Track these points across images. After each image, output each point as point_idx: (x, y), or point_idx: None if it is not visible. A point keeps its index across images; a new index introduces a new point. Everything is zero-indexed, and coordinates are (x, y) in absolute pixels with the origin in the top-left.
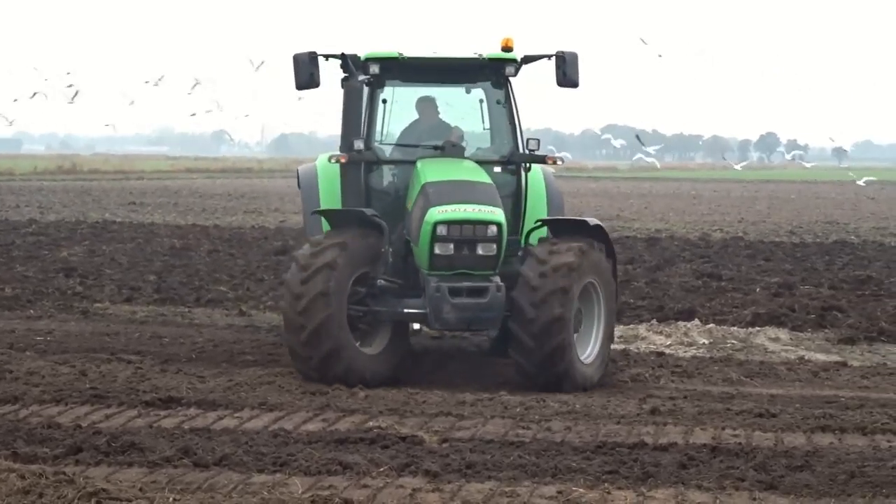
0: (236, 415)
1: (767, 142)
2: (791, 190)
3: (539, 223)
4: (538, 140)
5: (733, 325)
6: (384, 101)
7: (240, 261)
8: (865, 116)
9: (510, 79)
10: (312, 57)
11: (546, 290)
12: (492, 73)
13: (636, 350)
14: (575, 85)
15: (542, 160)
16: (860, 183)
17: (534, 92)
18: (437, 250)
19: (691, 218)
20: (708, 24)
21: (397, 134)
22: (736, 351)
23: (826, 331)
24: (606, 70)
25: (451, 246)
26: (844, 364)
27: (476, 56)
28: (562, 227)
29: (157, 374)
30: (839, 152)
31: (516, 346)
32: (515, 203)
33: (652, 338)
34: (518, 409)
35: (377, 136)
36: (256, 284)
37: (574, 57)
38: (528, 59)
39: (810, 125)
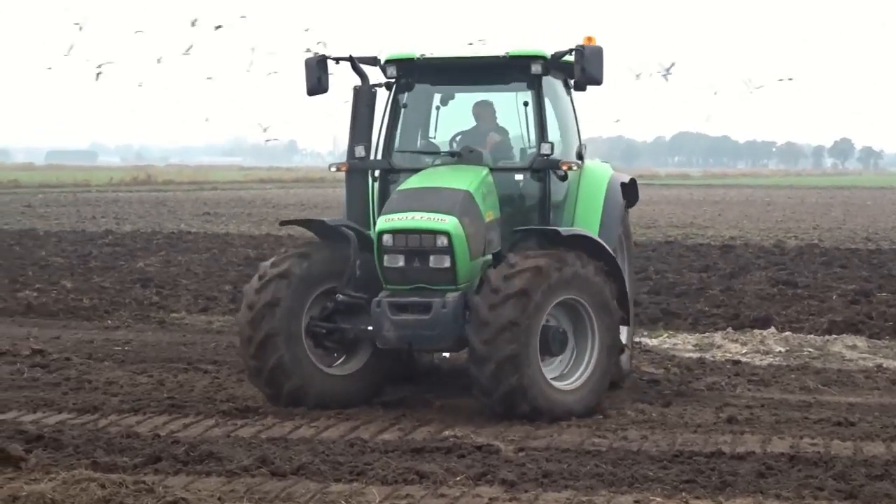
0: (313, 424)
1: (841, 147)
2: (866, 196)
3: (517, 233)
4: (585, 146)
5: (810, 333)
6: (405, 106)
7: None
8: None
9: (541, 78)
10: (321, 60)
11: (497, 325)
12: (519, 72)
13: (712, 358)
14: (596, 82)
15: (556, 165)
16: None
17: (606, 98)
18: (385, 262)
19: (765, 225)
20: (782, 30)
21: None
22: (813, 359)
23: None
24: (680, 77)
25: (402, 258)
26: None
27: (499, 54)
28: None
29: (233, 383)
30: None
31: (474, 385)
32: (541, 212)
33: (728, 346)
34: (594, 418)
35: (397, 143)
36: None
37: (595, 52)
38: (557, 57)
39: (886, 130)
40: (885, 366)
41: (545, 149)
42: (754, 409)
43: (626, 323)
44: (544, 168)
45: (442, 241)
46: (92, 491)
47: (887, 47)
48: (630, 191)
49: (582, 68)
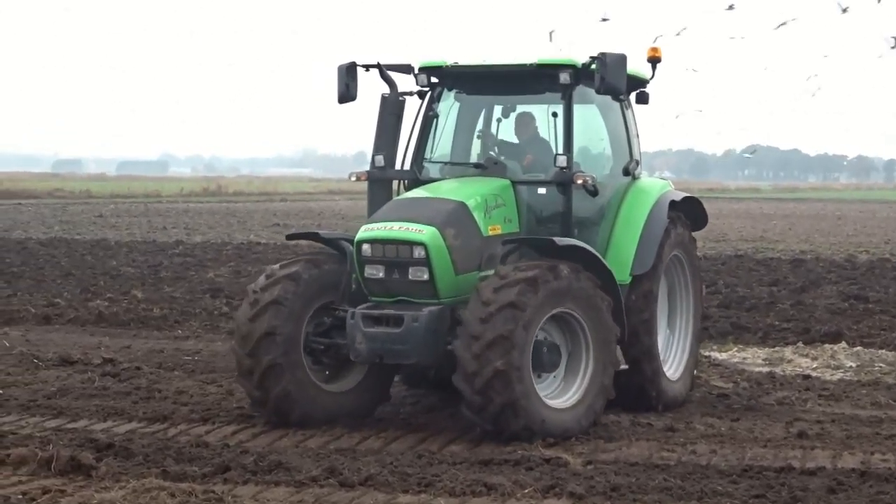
0: (381, 435)
1: None
2: None
3: (507, 244)
4: (637, 161)
5: (881, 349)
6: (436, 116)
7: None
8: None
9: (571, 88)
10: (350, 67)
11: (487, 338)
12: (549, 81)
13: (782, 373)
14: (617, 92)
15: (570, 179)
16: None
17: (673, 111)
18: (365, 273)
19: (836, 239)
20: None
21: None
22: (884, 374)
23: None
24: (750, 89)
25: (382, 268)
26: None
27: (528, 62)
28: (548, 249)
29: None
30: None
31: (465, 403)
32: (563, 226)
33: (798, 360)
34: (662, 432)
35: (427, 153)
36: None
37: (617, 60)
38: (587, 66)
39: None
40: None
41: (561, 161)
42: (825, 424)
43: (622, 340)
44: (560, 182)
45: (419, 252)
46: (161, 500)
47: None
48: (691, 210)
49: (602, 77)
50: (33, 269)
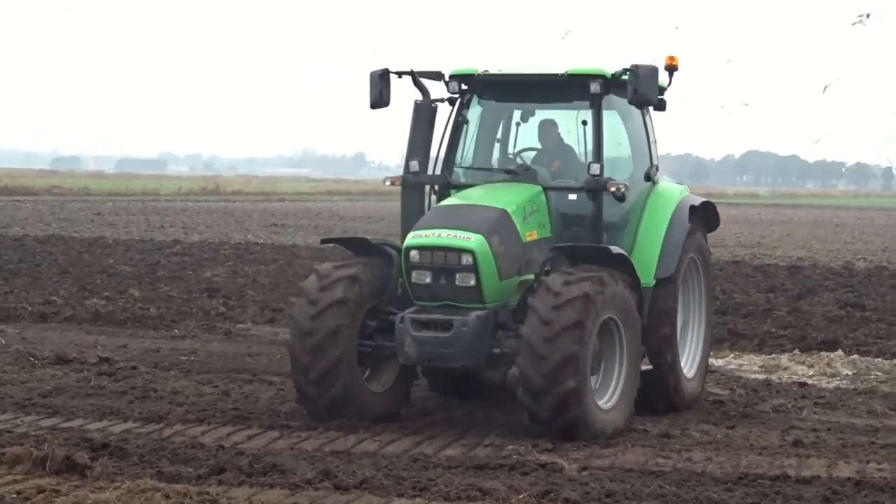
0: (376, 438)
1: None
2: None
3: (554, 251)
4: (657, 167)
5: (878, 357)
6: (466, 122)
7: None
8: None
9: (600, 97)
10: (383, 74)
11: (559, 324)
12: (579, 90)
13: (778, 380)
14: (649, 103)
15: (603, 186)
16: None
17: (676, 115)
18: (413, 278)
19: (834, 246)
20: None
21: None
22: (880, 383)
23: None
24: (749, 94)
25: (429, 274)
26: None
27: (559, 72)
28: (581, 255)
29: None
30: None
31: (526, 388)
32: (593, 231)
33: (794, 368)
34: (658, 439)
35: (457, 159)
36: None
37: (650, 72)
38: (617, 76)
39: None
40: None
41: (594, 169)
42: (820, 432)
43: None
44: (594, 188)
45: (466, 259)
46: (156, 501)
47: None
48: (706, 214)
49: (635, 88)
50: (30, 267)
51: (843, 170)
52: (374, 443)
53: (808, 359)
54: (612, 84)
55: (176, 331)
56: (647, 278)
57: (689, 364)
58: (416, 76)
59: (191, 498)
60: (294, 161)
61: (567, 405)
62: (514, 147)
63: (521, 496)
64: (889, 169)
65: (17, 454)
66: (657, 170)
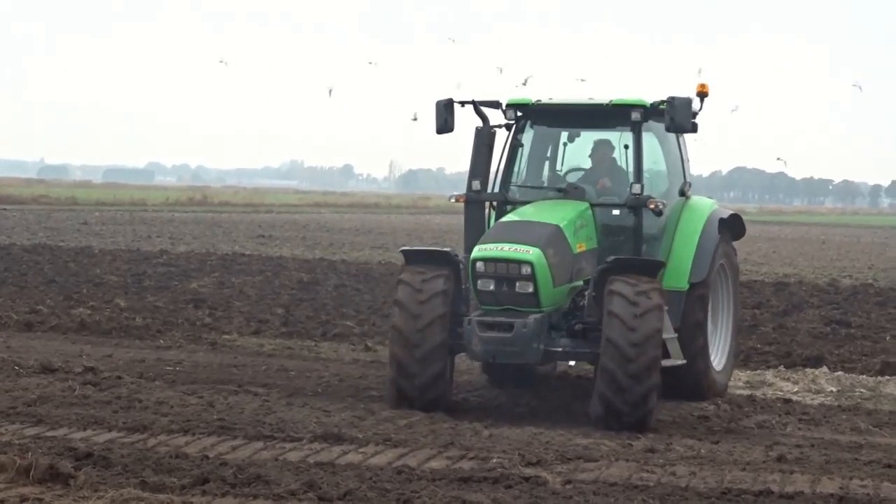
0: (361, 450)
1: None
2: None
3: (610, 261)
4: (690, 183)
5: (862, 374)
6: (521, 145)
7: (366, 296)
8: None
9: (640, 124)
10: (448, 103)
11: (644, 331)
12: (622, 118)
13: (762, 396)
14: (684, 130)
15: (644, 203)
16: None
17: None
18: (479, 286)
19: (820, 263)
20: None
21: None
22: (865, 399)
23: None
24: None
25: (492, 283)
26: None
27: (604, 102)
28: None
29: (283, 407)
30: None
31: (610, 386)
32: (635, 243)
33: (779, 384)
34: (642, 453)
35: (514, 178)
36: (382, 320)
37: (685, 103)
38: (655, 105)
39: None
40: None
41: (636, 189)
42: (804, 448)
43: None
44: (636, 205)
45: (526, 269)
46: None
47: None
48: (734, 225)
49: (671, 118)
50: (16, 276)
51: (831, 187)
52: (358, 455)
53: (793, 375)
54: (651, 112)
55: (161, 341)
56: (682, 282)
57: (718, 358)
58: (476, 105)
59: None
60: (282, 173)
61: (647, 401)
62: (563, 166)
63: None
64: (877, 187)
65: (1, 463)
66: (690, 186)
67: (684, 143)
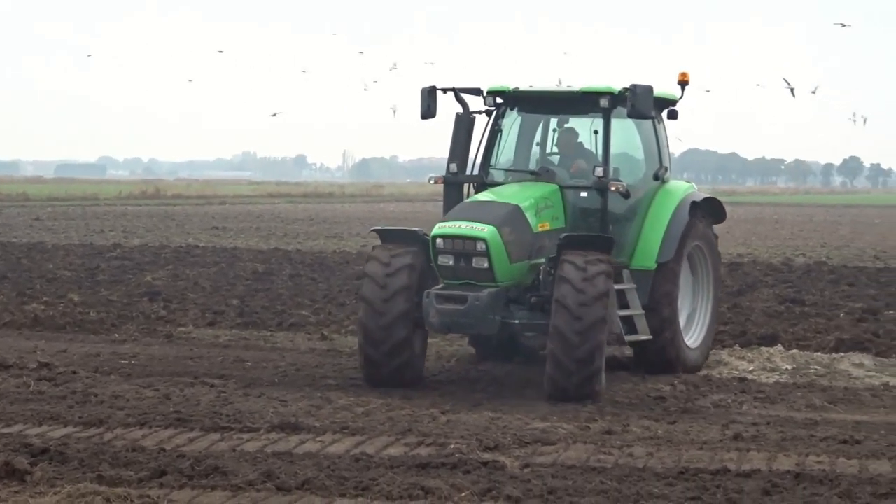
0: (318, 439)
1: (850, 166)
2: (875, 214)
3: (563, 238)
4: (666, 168)
5: (817, 351)
6: (500, 130)
7: (322, 285)
8: None
9: (609, 110)
10: (431, 90)
11: (591, 293)
12: (592, 104)
13: (718, 375)
14: (645, 116)
15: (606, 186)
16: None
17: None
18: (439, 261)
19: (773, 243)
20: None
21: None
22: (819, 377)
23: None
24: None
25: (451, 258)
26: None
27: (574, 89)
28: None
29: (239, 397)
30: None
31: (556, 367)
32: (601, 222)
33: (734, 363)
34: (599, 435)
35: (492, 161)
36: (338, 309)
37: (645, 90)
38: (622, 92)
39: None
40: (891, 384)
41: (598, 171)
42: (760, 426)
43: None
44: (600, 188)
45: (480, 246)
46: None
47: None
48: (711, 208)
49: (632, 105)
50: None
51: (783, 167)
52: (316, 443)
53: (748, 354)
54: (620, 99)
55: (116, 335)
56: (650, 262)
57: (695, 336)
58: (457, 92)
59: (132, 501)
60: (234, 164)
61: (591, 383)
62: (549, 150)
63: (463, 494)
64: (829, 166)
65: None
66: (666, 170)
67: (663, 130)
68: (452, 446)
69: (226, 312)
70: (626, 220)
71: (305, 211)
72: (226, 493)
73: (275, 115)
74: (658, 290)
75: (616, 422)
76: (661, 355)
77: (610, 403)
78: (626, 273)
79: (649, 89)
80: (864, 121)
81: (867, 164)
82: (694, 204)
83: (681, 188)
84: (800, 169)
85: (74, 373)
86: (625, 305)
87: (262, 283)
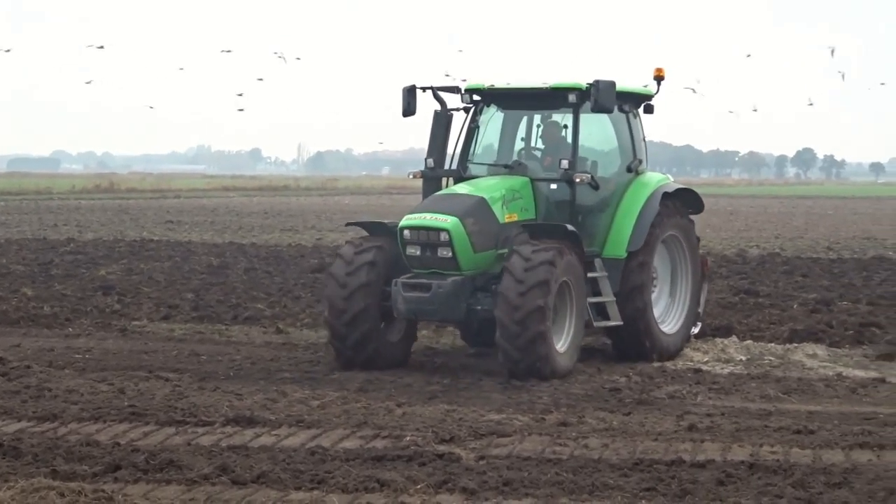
0: (274, 432)
1: (804, 158)
2: (828, 206)
3: (521, 228)
4: (640, 160)
5: (771, 342)
6: (477, 126)
7: (277, 279)
8: None
9: (578, 106)
10: (410, 89)
11: (530, 282)
12: (562, 100)
13: (673, 367)
14: (607, 110)
15: (570, 178)
16: None
17: None
18: (407, 252)
19: (728, 234)
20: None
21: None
22: (773, 367)
23: (864, 347)
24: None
25: (418, 248)
26: (882, 380)
27: (545, 86)
28: (545, 231)
29: (194, 391)
30: (877, 168)
31: (502, 332)
32: (570, 214)
33: (689, 354)
34: (555, 427)
35: (470, 155)
36: (293, 302)
37: (608, 85)
38: (588, 88)
39: (848, 140)
40: (844, 374)
41: (564, 164)
42: (715, 417)
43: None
44: (566, 179)
45: (444, 236)
46: (51, 499)
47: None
48: (687, 198)
49: (595, 99)
50: None
51: (737, 159)
52: (271, 437)
53: (703, 345)
54: (588, 94)
55: (70, 329)
56: (621, 251)
57: (672, 322)
58: (435, 90)
59: (86, 496)
60: (189, 158)
61: (535, 345)
62: (534, 144)
63: (418, 486)
64: (782, 157)
65: None
66: (640, 163)
67: (640, 124)
68: (408, 439)
69: (180, 306)
70: (599, 211)
71: (260, 204)
72: (181, 487)
73: (240, 94)
74: (630, 278)
75: (571, 413)
76: (634, 341)
77: (565, 395)
78: (598, 262)
79: (612, 84)
80: (750, 112)
81: (821, 155)
82: (666, 194)
83: (654, 179)
84: (754, 161)
85: (28, 367)
86: (597, 293)
87: (217, 276)
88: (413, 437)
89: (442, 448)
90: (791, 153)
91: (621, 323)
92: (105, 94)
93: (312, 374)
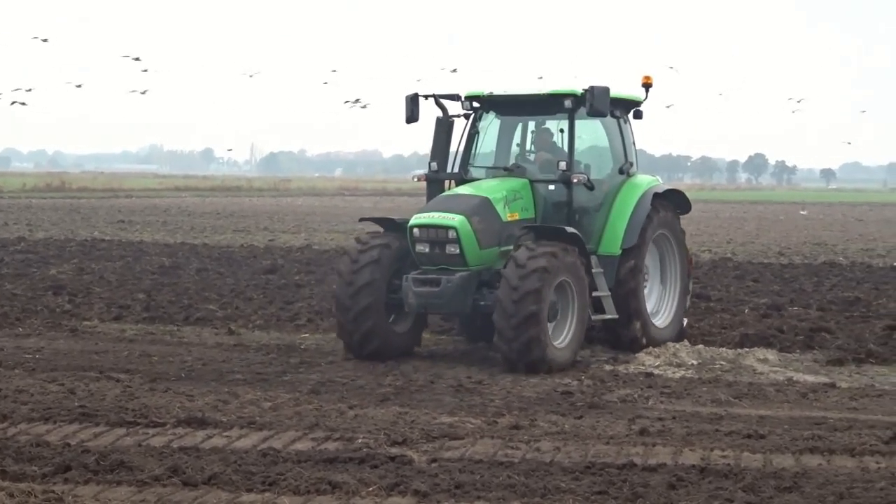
0: (225, 434)
1: (756, 163)
2: (779, 211)
3: (525, 229)
4: (631, 163)
5: (722, 346)
6: (477, 132)
7: (229, 279)
8: (854, 138)
9: (573, 111)
10: (413, 97)
11: (523, 290)
12: (559, 105)
13: (625, 371)
14: (602, 115)
15: (567, 179)
16: (803, 213)
17: None
18: (416, 249)
19: None
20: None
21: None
22: (724, 372)
23: (814, 352)
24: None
25: (427, 246)
26: (833, 385)
27: (542, 92)
28: (546, 232)
29: (145, 392)
30: (827, 174)
31: (500, 337)
32: (567, 214)
33: (641, 358)
34: (507, 430)
35: (470, 159)
36: (245, 303)
37: (602, 91)
38: (583, 94)
39: (799, 146)
40: (795, 379)
41: (562, 165)
42: (666, 421)
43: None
44: (563, 180)
45: (451, 234)
46: (0, 500)
47: (799, 65)
48: (676, 199)
49: (590, 104)
50: None
51: (689, 164)
52: (222, 438)
53: (655, 349)
54: (582, 100)
55: (20, 329)
56: (615, 249)
57: (663, 316)
58: (437, 98)
59: (35, 497)
60: (141, 157)
61: (530, 348)
62: (529, 148)
63: (370, 489)
64: (734, 163)
65: None
66: (632, 165)
67: (630, 128)
68: (360, 441)
69: (132, 307)
70: (594, 211)
71: (213, 205)
72: (131, 489)
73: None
74: (624, 273)
75: (523, 416)
76: (629, 333)
77: (517, 398)
78: (594, 259)
79: (606, 90)
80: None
81: (772, 161)
82: (656, 195)
83: (645, 181)
84: (706, 166)
85: None
86: (593, 288)
87: (169, 277)
88: (365, 440)
89: (394, 450)
90: (743, 159)
91: (616, 316)
92: (56, 92)
93: (264, 375)
